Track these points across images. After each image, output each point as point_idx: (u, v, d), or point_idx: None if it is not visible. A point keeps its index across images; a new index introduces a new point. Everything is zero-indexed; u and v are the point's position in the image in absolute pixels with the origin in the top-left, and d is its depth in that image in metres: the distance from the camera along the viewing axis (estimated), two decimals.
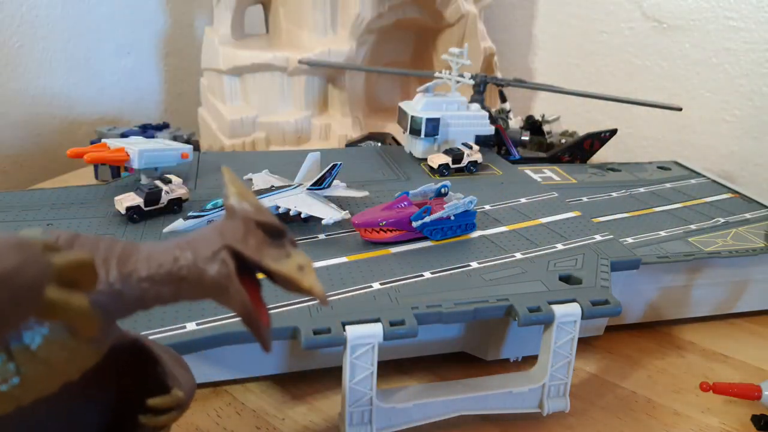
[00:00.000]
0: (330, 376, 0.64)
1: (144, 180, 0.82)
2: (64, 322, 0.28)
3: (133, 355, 0.38)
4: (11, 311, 0.24)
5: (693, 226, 0.83)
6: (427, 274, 0.64)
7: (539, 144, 1.18)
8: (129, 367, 0.38)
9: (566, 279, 0.65)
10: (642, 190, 0.96)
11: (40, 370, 0.29)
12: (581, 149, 1.11)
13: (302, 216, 0.73)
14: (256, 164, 0.89)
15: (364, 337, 0.53)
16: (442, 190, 0.75)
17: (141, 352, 0.39)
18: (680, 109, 1.04)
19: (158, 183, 0.76)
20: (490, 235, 0.74)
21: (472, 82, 1.03)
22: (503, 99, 1.22)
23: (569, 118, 1.50)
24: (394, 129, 1.22)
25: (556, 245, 0.72)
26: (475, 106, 1.04)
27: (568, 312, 0.58)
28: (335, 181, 0.80)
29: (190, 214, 0.69)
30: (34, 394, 0.29)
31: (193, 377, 0.41)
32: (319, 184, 0.77)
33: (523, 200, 0.85)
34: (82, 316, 0.26)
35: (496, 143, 1.08)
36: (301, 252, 0.35)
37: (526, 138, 1.15)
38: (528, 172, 0.98)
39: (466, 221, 0.73)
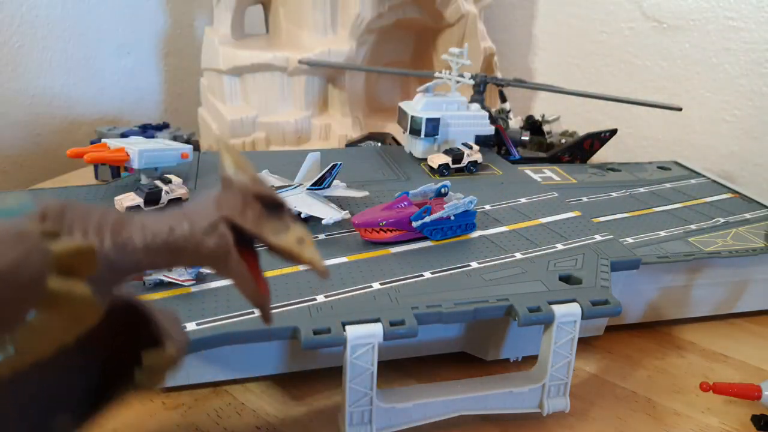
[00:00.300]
0: (330, 376, 0.64)
1: (144, 180, 0.82)
2: (67, 311, 0.28)
3: (126, 314, 0.38)
4: (14, 305, 0.24)
5: (693, 226, 0.83)
6: (427, 274, 0.64)
7: (539, 144, 1.18)
8: (123, 326, 0.38)
9: (566, 279, 0.65)
10: (642, 190, 0.96)
11: (35, 339, 0.29)
12: (581, 149, 1.11)
13: (302, 216, 0.73)
14: (256, 164, 0.88)
15: (364, 337, 0.53)
16: (442, 190, 0.75)
17: (134, 311, 0.38)
18: (680, 109, 1.04)
19: (158, 183, 0.76)
20: (490, 235, 0.74)
21: (472, 82, 1.03)
22: (503, 99, 1.22)
23: (569, 118, 1.50)
24: (394, 129, 1.22)
25: (556, 245, 0.72)
26: (475, 106, 1.04)
27: (568, 312, 0.58)
28: (335, 181, 0.80)
29: None
30: (30, 360, 0.29)
31: (185, 332, 0.41)
32: (319, 184, 0.77)
33: (523, 200, 0.85)
34: (84, 304, 0.26)
35: (496, 143, 1.08)
36: (300, 224, 0.34)
37: (526, 138, 1.15)
38: (528, 172, 0.98)
39: (466, 221, 0.73)
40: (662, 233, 0.79)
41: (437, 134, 0.98)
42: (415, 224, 0.70)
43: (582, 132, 1.14)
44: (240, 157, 0.35)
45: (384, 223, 0.69)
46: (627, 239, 0.76)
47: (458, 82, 1.02)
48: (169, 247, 0.31)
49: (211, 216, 0.32)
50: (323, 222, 0.71)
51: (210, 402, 0.62)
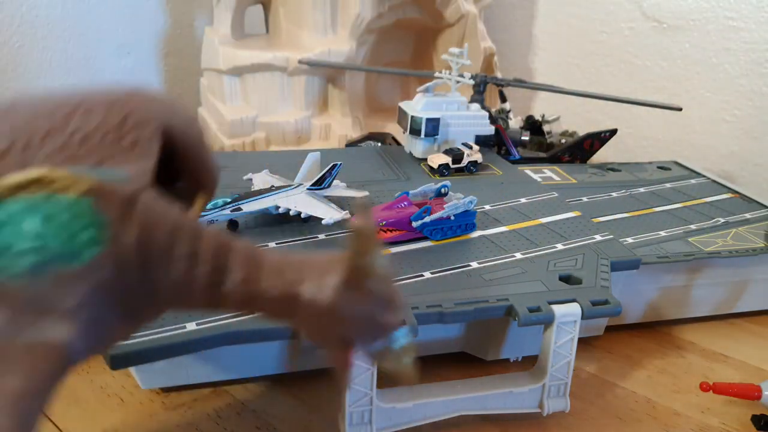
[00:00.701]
0: (330, 376, 0.64)
1: None
2: None
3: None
4: None
5: (693, 226, 0.83)
6: (427, 274, 0.64)
7: (539, 144, 1.17)
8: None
9: (566, 279, 0.65)
10: (642, 190, 0.96)
11: None
12: (581, 149, 1.11)
13: (302, 216, 0.73)
14: (256, 164, 0.89)
15: None
16: (442, 190, 0.76)
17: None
18: (680, 109, 1.04)
19: None
20: (490, 235, 0.74)
21: (472, 82, 1.03)
22: (503, 99, 1.22)
23: (569, 118, 1.49)
24: (394, 129, 1.22)
25: (556, 245, 0.72)
26: (475, 106, 1.04)
27: (568, 312, 0.58)
28: (335, 181, 0.80)
29: None
30: None
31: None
32: (319, 184, 0.77)
33: (523, 200, 0.85)
34: None
35: (496, 143, 1.07)
36: (399, 337, 0.32)
37: (526, 138, 1.15)
38: (528, 172, 0.98)
39: (466, 221, 0.73)
40: (662, 233, 0.79)
41: (437, 134, 0.98)
42: (415, 224, 0.70)
43: (582, 132, 1.14)
44: (376, 254, 0.30)
45: (384, 223, 0.69)
46: (627, 239, 0.76)
47: (458, 82, 1.02)
48: (273, 310, 0.29)
49: (333, 320, 0.29)
50: (323, 222, 0.71)
51: (210, 402, 0.62)
